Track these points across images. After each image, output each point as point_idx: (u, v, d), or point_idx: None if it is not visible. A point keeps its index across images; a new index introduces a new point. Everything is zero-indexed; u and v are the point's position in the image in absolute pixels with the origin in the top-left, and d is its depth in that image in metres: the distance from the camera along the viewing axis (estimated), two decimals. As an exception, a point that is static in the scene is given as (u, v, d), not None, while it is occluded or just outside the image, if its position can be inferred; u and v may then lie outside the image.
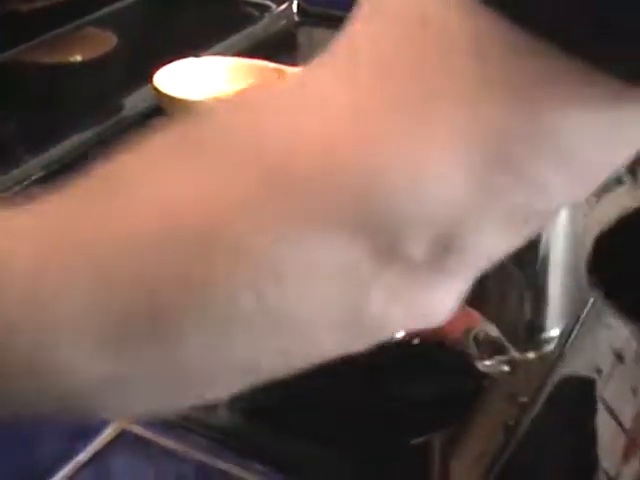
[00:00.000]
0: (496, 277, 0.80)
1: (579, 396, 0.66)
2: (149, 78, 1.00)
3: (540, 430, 0.67)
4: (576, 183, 0.32)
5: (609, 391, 0.54)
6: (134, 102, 1.04)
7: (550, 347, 0.76)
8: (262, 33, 1.24)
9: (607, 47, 0.28)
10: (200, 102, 0.98)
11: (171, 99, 0.99)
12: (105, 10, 1.01)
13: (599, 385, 0.56)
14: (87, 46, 1.01)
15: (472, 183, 0.30)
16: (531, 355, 0.75)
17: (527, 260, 0.87)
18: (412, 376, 0.71)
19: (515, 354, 0.65)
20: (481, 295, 0.77)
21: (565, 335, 0.76)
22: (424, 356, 0.70)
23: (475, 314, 0.68)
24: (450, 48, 0.30)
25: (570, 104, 0.30)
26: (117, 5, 1.02)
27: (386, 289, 0.33)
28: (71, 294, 0.32)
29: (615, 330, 0.54)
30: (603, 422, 0.55)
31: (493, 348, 0.65)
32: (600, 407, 0.56)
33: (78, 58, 1.01)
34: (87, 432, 0.63)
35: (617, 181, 0.49)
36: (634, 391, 0.53)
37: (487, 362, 0.65)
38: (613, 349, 0.54)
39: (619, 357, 0.54)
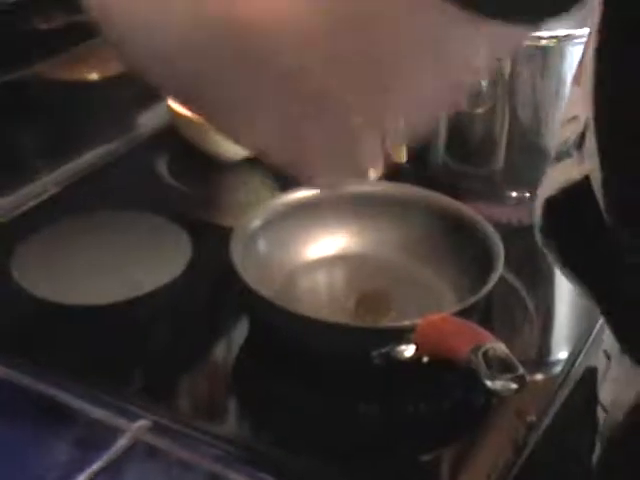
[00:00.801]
0: (506, 299, 0.81)
1: (584, 414, 0.67)
2: (164, 97, 1.01)
3: (548, 448, 0.68)
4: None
5: (602, 391, 0.56)
6: (148, 119, 1.06)
7: (558, 369, 0.76)
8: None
9: None
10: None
11: (185, 118, 1.00)
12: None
13: (598, 389, 0.57)
14: (103, 64, 1.02)
15: None
16: (539, 377, 0.75)
17: (536, 283, 0.87)
18: (421, 393, 0.71)
19: (524, 372, 0.65)
20: (491, 317, 0.78)
21: (573, 357, 0.77)
22: (433, 373, 0.70)
23: (484, 332, 0.68)
24: None
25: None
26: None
27: None
28: None
29: (606, 331, 0.55)
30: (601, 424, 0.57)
31: (502, 366, 0.65)
32: (598, 409, 0.57)
33: (94, 75, 1.02)
34: (101, 442, 0.63)
35: (566, 154, 0.53)
36: (615, 381, 0.55)
37: (496, 380, 0.65)
38: (604, 350, 0.56)
39: (608, 356, 0.55)
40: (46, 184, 0.94)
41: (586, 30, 0.49)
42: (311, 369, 0.71)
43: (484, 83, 0.87)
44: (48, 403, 0.67)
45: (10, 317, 0.77)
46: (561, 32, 0.87)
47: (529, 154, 0.91)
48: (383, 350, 0.67)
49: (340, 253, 0.82)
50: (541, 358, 0.79)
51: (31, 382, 0.69)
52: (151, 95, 1.04)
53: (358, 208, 0.82)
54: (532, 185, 0.68)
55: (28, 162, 0.93)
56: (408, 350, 0.70)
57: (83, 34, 0.97)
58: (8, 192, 0.90)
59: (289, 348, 0.71)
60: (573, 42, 0.87)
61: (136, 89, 1.04)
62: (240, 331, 0.78)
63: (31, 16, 0.91)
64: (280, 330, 0.72)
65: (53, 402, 0.67)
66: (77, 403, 0.67)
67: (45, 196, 0.93)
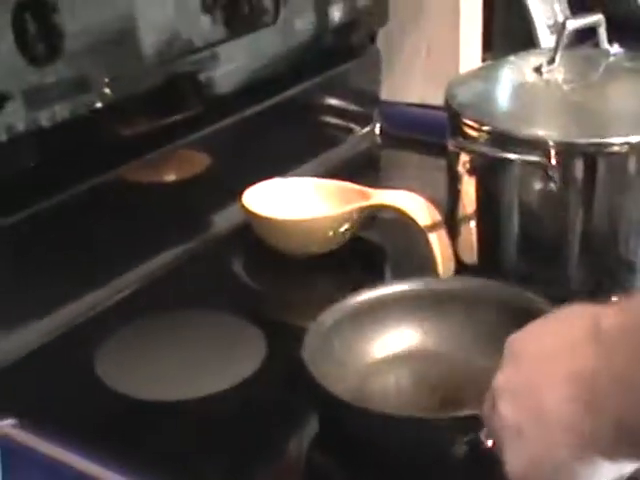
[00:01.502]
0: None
1: None
2: (238, 197, 1.04)
3: None
4: None
5: None
6: (223, 220, 1.08)
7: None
8: (346, 154, 1.28)
9: None
10: (286, 221, 1.01)
11: (258, 217, 1.02)
12: (197, 134, 1.06)
13: None
14: (180, 166, 1.05)
15: None
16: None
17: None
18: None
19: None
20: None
21: None
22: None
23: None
24: None
25: None
26: (208, 129, 1.07)
27: None
28: None
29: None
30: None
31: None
32: None
33: (172, 177, 1.05)
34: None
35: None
36: None
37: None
38: None
39: None
40: (125, 283, 0.96)
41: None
42: (384, 465, 0.71)
43: (554, 186, 0.86)
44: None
45: (92, 411, 0.79)
46: (634, 139, 0.86)
47: (605, 261, 0.88)
48: (466, 438, 0.66)
49: (413, 350, 0.83)
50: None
51: (109, 475, 0.70)
52: (225, 195, 1.08)
53: (430, 305, 0.83)
54: (608, 292, 0.66)
55: (108, 262, 0.95)
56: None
57: (163, 139, 1.01)
58: (89, 291, 0.93)
59: (361, 445, 0.72)
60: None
61: (211, 189, 1.07)
62: (312, 428, 0.78)
63: (115, 123, 0.95)
64: (351, 427, 0.72)
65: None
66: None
67: (124, 294, 0.95)
